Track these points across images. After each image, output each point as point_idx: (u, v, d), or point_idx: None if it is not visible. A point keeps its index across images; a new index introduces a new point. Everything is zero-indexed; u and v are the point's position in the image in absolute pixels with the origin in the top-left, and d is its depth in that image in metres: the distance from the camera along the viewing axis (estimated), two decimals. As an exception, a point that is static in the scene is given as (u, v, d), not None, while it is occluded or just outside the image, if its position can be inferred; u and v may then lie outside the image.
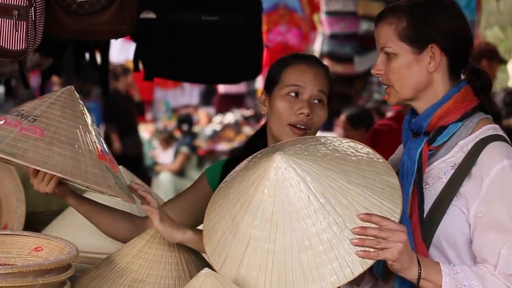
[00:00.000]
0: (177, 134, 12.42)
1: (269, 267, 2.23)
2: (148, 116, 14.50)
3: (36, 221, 3.21)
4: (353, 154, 2.34)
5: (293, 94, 2.76)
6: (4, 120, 2.49)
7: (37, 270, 2.33)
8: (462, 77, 2.49)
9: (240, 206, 2.30)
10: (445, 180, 2.37)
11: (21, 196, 2.98)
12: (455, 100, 2.41)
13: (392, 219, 2.22)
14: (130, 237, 2.67)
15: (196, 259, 2.60)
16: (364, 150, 2.38)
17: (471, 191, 2.34)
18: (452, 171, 2.37)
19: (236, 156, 2.92)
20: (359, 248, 2.18)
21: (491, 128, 2.41)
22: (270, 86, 2.84)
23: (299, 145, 2.36)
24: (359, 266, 2.19)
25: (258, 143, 2.90)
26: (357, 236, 2.19)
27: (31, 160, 2.39)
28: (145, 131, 13.06)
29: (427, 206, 2.37)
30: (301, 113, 2.73)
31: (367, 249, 2.19)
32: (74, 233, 2.92)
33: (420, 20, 2.42)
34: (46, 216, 3.31)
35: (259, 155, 2.39)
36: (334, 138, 2.44)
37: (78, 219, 2.99)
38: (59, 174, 2.41)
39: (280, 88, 2.79)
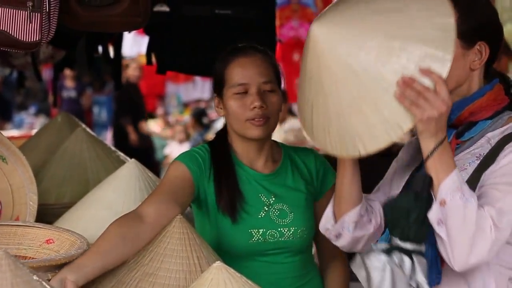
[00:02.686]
0: (191, 128, 12.40)
1: (331, 130, 2.27)
2: (160, 110, 14.51)
3: (47, 213, 3.20)
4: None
5: (241, 92, 2.81)
6: None
7: (47, 265, 2.33)
8: None
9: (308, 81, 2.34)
10: (470, 171, 2.35)
11: (33, 188, 2.97)
12: (488, 97, 2.39)
13: (443, 68, 2.18)
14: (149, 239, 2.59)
15: (207, 254, 2.59)
16: None
17: (489, 172, 2.32)
18: (477, 162, 2.35)
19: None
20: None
21: None
22: (218, 89, 2.87)
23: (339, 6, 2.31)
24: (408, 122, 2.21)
25: (221, 141, 2.92)
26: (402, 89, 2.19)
27: None
28: (156, 125, 13.07)
29: None
30: (254, 107, 2.79)
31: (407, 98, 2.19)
32: (86, 225, 2.92)
33: (472, 15, 2.37)
34: (58, 209, 3.30)
35: None
36: None
37: (90, 212, 3.00)
38: None
39: (227, 89, 2.83)
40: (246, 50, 2.86)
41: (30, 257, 2.57)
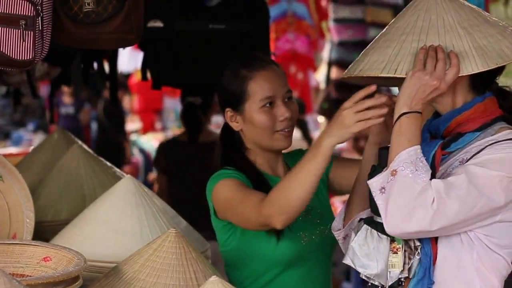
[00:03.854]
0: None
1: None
2: (158, 125, 14.51)
3: (44, 231, 3.21)
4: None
5: (268, 105, 2.84)
6: None
7: (46, 282, 2.34)
8: None
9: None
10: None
11: (30, 206, 2.98)
12: (476, 109, 2.39)
13: (465, 68, 2.31)
14: None
15: (204, 268, 2.60)
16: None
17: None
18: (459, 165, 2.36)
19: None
20: None
21: (511, 133, 2.38)
22: (236, 103, 2.86)
23: None
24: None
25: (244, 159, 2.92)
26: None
27: None
28: (154, 140, 13.05)
29: None
30: (285, 118, 2.84)
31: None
32: (83, 242, 2.92)
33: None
34: (55, 226, 3.31)
35: None
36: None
37: (87, 228, 3.00)
38: None
39: (252, 103, 2.84)
40: (263, 63, 2.89)
41: (27, 276, 2.57)
